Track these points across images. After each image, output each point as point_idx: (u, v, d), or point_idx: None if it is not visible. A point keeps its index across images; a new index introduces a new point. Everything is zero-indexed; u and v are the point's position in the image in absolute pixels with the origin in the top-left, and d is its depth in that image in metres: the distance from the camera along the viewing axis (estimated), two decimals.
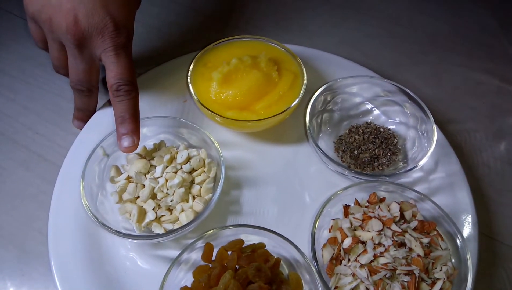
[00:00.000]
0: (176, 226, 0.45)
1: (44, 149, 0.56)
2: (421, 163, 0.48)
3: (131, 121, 0.44)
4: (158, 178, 0.47)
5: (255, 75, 0.51)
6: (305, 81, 0.51)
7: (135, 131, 0.45)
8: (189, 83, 0.51)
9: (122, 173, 0.48)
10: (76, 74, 0.47)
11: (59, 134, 0.57)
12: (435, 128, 0.50)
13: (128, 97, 0.44)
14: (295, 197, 0.50)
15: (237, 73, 0.51)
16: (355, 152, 0.52)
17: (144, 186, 0.46)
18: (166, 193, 0.46)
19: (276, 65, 0.53)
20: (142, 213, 0.45)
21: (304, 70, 0.53)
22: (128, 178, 0.47)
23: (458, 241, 0.43)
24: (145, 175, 0.47)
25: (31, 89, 0.62)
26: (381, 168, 0.51)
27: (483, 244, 0.47)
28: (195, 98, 0.50)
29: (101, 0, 0.44)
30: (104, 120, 0.53)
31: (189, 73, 0.52)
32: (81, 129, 0.53)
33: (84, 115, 0.53)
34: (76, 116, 0.54)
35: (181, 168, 0.48)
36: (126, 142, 0.44)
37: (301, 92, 0.51)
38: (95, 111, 0.54)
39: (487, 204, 0.53)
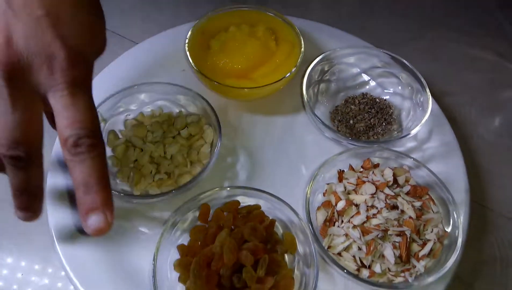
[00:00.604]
0: None
1: None
2: (415, 130, 0.48)
3: (100, 189, 0.30)
4: (156, 142, 0.47)
5: (253, 43, 0.51)
6: (302, 49, 0.52)
7: (107, 203, 0.30)
8: (186, 51, 0.51)
9: (119, 138, 0.48)
10: (6, 129, 0.29)
11: None
12: (430, 97, 0.50)
13: (92, 155, 0.30)
14: (291, 164, 0.50)
15: (234, 41, 0.52)
16: (351, 121, 0.53)
17: (141, 150, 0.47)
18: (164, 157, 0.47)
19: (274, 34, 0.53)
20: (140, 177, 0.46)
21: (302, 40, 0.53)
22: (126, 143, 0.48)
23: (449, 206, 0.44)
24: (143, 140, 0.48)
25: None
26: (376, 137, 0.52)
27: (474, 211, 0.48)
28: (193, 66, 0.50)
29: (48, 16, 0.29)
30: (101, 84, 0.52)
31: (187, 41, 0.52)
32: (32, 221, 0.33)
33: (27, 199, 0.32)
34: (17, 204, 0.32)
35: (179, 133, 0.48)
36: (95, 220, 0.29)
37: (299, 61, 0.51)
38: (43, 190, 0.33)
39: (480, 173, 0.54)
